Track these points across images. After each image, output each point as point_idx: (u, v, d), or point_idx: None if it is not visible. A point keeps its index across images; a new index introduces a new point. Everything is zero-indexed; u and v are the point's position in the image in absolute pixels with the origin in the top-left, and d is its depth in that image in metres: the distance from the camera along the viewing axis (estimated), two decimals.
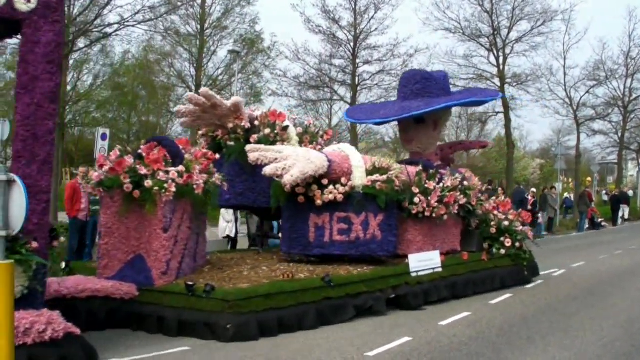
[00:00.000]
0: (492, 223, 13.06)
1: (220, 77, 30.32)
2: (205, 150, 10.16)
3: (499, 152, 43.09)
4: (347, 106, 28.70)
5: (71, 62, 27.98)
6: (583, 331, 8.94)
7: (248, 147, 10.17)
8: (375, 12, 27.40)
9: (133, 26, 22.09)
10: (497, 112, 33.88)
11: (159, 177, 8.54)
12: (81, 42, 23.04)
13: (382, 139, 36.96)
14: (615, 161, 46.30)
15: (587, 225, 31.45)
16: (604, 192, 49.66)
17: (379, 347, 7.77)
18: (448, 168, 13.05)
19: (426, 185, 11.31)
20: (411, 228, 11.39)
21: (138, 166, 8.61)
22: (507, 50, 31.96)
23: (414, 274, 10.61)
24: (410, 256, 10.82)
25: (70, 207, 13.56)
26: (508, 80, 32.26)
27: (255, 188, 11.04)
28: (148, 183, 8.44)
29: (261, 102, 31.75)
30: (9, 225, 5.60)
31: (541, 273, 14.69)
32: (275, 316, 8.28)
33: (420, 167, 11.68)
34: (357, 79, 27.71)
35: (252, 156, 10.01)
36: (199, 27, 27.92)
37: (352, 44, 27.49)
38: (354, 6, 27.27)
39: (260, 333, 8.03)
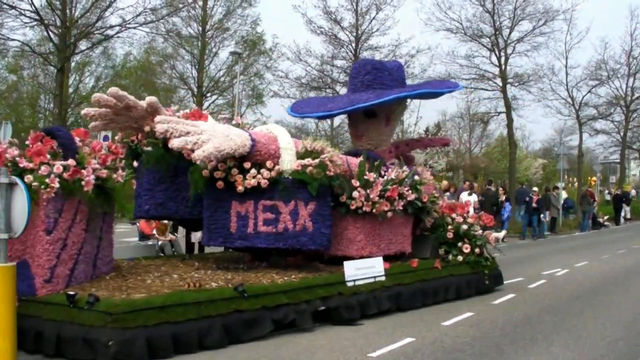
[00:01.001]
0: (449, 227, 11.84)
1: (222, 79, 30.39)
2: (111, 143, 9.09)
3: (501, 152, 43.10)
4: None
5: (73, 64, 28.12)
6: (586, 331, 8.92)
7: (157, 119, 8.87)
8: (377, 13, 27.45)
9: (134, 28, 22.23)
10: (499, 112, 33.88)
11: (40, 172, 7.38)
12: (83, 45, 23.16)
13: None
14: (618, 160, 46.27)
15: (590, 225, 31.47)
16: (607, 191, 49.65)
17: (382, 347, 7.75)
18: (397, 162, 11.77)
19: (366, 177, 10.14)
20: (351, 226, 10.19)
21: (18, 158, 7.48)
22: (509, 50, 31.96)
23: (350, 284, 9.46)
24: (346, 263, 9.66)
25: None
26: (510, 80, 32.24)
27: (176, 197, 9.94)
28: (28, 178, 7.18)
29: (263, 104, 31.80)
30: (11, 227, 5.60)
31: (544, 273, 14.73)
32: (170, 332, 7.12)
33: (362, 158, 10.52)
34: None
35: (159, 127, 8.67)
36: (200, 28, 27.99)
37: (353, 45, 27.49)
38: (355, 7, 27.30)
39: (150, 352, 6.92)
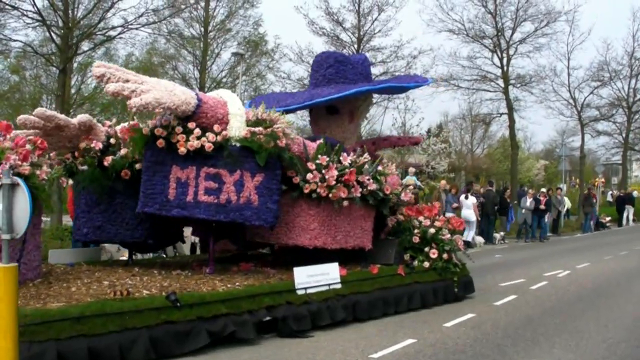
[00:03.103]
0: (416, 230, 11.02)
1: (224, 80, 30.35)
2: (37, 137, 8.28)
3: (503, 154, 43.09)
4: None
5: (75, 65, 28.11)
6: (588, 332, 8.91)
7: (95, 64, 8.33)
8: (379, 14, 27.42)
9: (137, 29, 22.19)
10: (501, 114, 33.91)
11: None
12: (85, 45, 23.14)
13: None
14: (620, 162, 46.24)
15: (592, 226, 31.47)
16: (610, 192, 49.64)
17: (384, 349, 7.75)
18: (359, 150, 10.56)
19: (319, 161, 9.44)
20: (304, 212, 9.50)
21: None
22: (511, 52, 31.97)
23: (300, 292, 8.79)
24: (296, 270, 8.95)
25: (73, 210, 13.50)
26: (512, 82, 32.27)
27: (115, 220, 9.34)
28: None
29: None
30: (13, 228, 5.60)
31: (546, 274, 14.72)
32: (86, 345, 6.41)
33: (321, 141, 9.88)
34: None
35: (96, 71, 8.13)
36: (202, 29, 27.97)
37: (355, 46, 27.47)
38: (357, 8, 27.29)
39: None
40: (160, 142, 8.55)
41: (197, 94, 8.69)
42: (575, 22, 34.31)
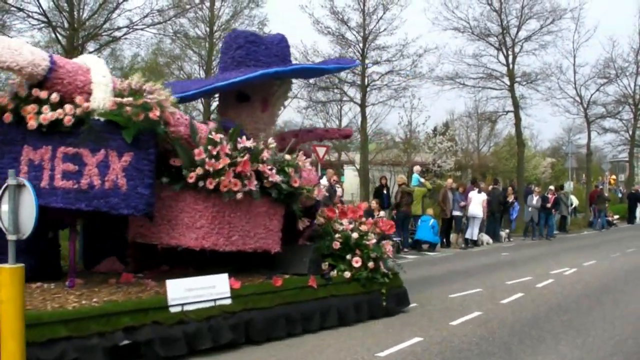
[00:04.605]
0: (337, 235, 9.56)
1: None
2: None
3: (510, 152, 42.90)
4: (357, 107, 28.78)
5: None
6: (594, 330, 8.90)
7: None
8: (384, 13, 27.31)
9: (142, 30, 22.25)
10: (507, 111, 33.80)
11: None
12: (91, 46, 23.15)
13: (393, 140, 36.83)
14: (627, 159, 46.08)
15: (604, 223, 31.42)
16: (620, 189, 49.48)
17: (390, 347, 7.76)
18: (262, 136, 9.39)
19: (211, 136, 8.16)
20: (189, 207, 8.12)
21: None
22: (517, 49, 31.82)
23: (175, 309, 7.32)
24: (169, 282, 7.47)
25: None
26: (518, 79, 32.15)
27: None
28: None
29: None
30: (19, 229, 5.62)
31: (552, 272, 14.68)
32: None
33: (215, 125, 8.70)
34: (366, 79, 27.63)
35: None
36: (208, 29, 27.96)
37: (361, 45, 27.42)
38: (362, 7, 27.21)
39: None
40: (7, 117, 7.25)
41: (50, 56, 7.38)
42: (580, 19, 34.15)
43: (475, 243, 21.73)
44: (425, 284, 12.79)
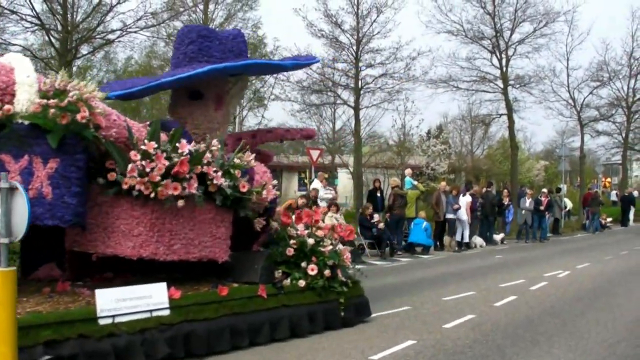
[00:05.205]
0: (292, 241, 9.02)
1: None
2: None
3: (503, 154, 43.03)
4: (351, 110, 28.79)
5: (74, 68, 28.07)
6: (588, 332, 8.92)
7: None
8: (378, 16, 27.36)
9: (136, 32, 22.19)
10: (501, 114, 33.92)
11: None
12: (84, 49, 23.13)
13: (386, 142, 36.88)
14: (620, 162, 46.23)
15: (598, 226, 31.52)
16: (615, 192, 49.63)
17: (384, 350, 7.75)
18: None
19: (144, 147, 7.43)
20: (126, 214, 7.51)
21: None
22: (510, 52, 31.95)
23: (105, 321, 6.74)
24: (99, 292, 6.90)
25: None
26: (511, 82, 32.27)
27: None
28: None
29: (265, 107, 31.82)
30: (11, 232, 5.60)
31: (546, 274, 14.70)
32: None
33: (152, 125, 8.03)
34: (360, 82, 27.67)
35: None
36: None
37: (354, 48, 27.45)
38: (356, 10, 27.25)
39: None
40: None
41: None
42: (574, 22, 34.20)
43: (468, 246, 21.78)
44: (419, 286, 12.81)
